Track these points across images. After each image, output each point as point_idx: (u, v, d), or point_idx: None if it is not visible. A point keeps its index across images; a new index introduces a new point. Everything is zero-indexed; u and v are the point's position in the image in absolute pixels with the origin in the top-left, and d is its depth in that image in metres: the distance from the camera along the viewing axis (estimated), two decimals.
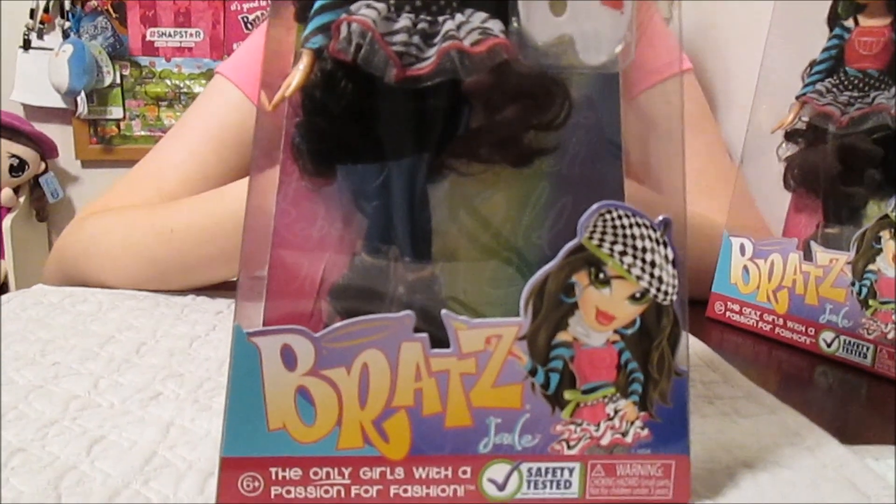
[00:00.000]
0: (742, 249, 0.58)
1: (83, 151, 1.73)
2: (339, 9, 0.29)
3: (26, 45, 1.65)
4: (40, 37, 1.66)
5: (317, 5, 0.29)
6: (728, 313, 0.60)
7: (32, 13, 1.64)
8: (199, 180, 0.71)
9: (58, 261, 0.71)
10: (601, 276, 0.28)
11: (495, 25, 0.30)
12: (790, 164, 0.59)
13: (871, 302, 0.49)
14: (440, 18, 0.29)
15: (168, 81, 1.70)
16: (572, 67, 0.30)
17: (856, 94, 0.53)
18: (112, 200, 0.73)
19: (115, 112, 1.70)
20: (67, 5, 1.63)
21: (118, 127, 1.72)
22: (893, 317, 0.48)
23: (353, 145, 0.31)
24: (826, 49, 0.55)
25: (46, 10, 1.64)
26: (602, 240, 0.28)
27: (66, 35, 1.63)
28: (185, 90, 1.71)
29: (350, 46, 0.28)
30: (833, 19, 0.56)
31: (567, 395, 0.29)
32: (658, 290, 0.28)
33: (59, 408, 0.39)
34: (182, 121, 0.79)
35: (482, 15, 0.30)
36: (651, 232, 0.28)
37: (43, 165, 1.66)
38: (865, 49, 0.53)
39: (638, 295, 0.28)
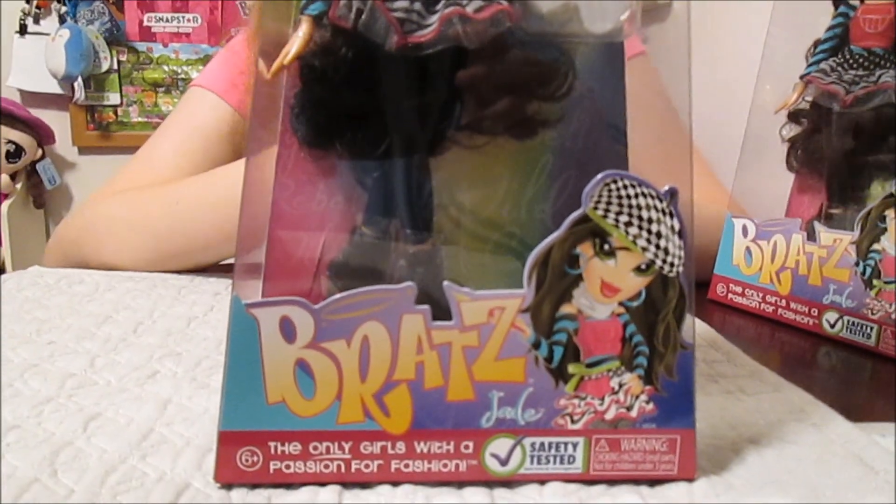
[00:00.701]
0: (745, 231, 0.58)
1: (80, 137, 1.72)
2: None
3: (23, 29, 1.64)
4: (37, 21, 1.65)
5: None
6: (730, 295, 0.59)
7: None
8: (190, 172, 0.72)
9: (58, 245, 0.71)
10: (606, 247, 0.28)
11: None
12: (793, 144, 0.58)
13: (875, 282, 0.49)
14: None
15: (165, 67, 1.69)
16: (577, 36, 0.30)
17: (861, 72, 0.53)
18: (106, 193, 0.74)
19: (113, 98, 1.69)
20: None
21: (115, 113, 1.71)
22: None
23: (354, 115, 0.30)
24: (831, 28, 0.55)
25: None
26: (607, 210, 0.27)
27: (62, 20, 1.62)
28: (182, 76, 1.70)
29: (350, 13, 0.28)
30: None
31: (571, 368, 0.28)
32: (664, 261, 0.28)
33: (55, 385, 0.39)
34: (163, 126, 0.81)
35: None
36: (657, 202, 0.27)
37: (40, 152, 1.66)
38: (871, 27, 0.52)
39: (643, 266, 0.28)
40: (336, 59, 0.29)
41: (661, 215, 0.28)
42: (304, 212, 0.33)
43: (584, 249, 0.28)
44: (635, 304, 0.28)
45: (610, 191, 0.27)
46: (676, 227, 0.28)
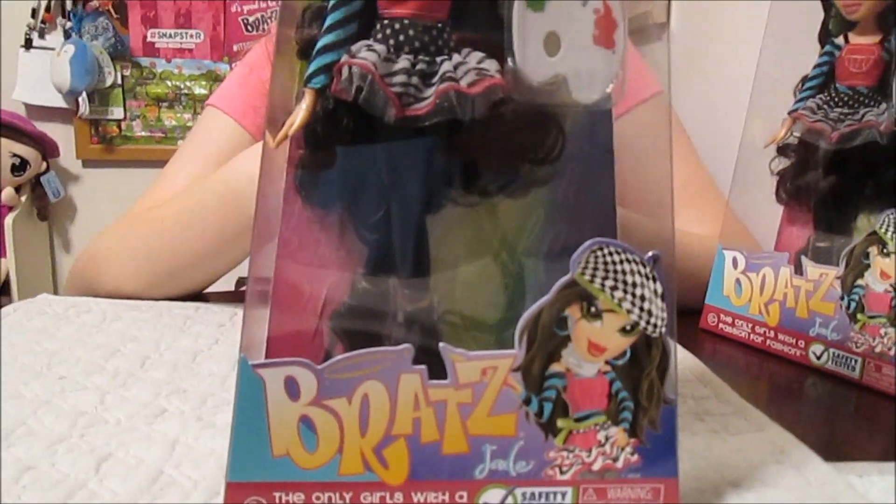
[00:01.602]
0: (734, 262, 0.60)
1: (84, 151, 1.74)
2: (340, 49, 0.30)
3: (28, 44, 1.66)
4: (42, 36, 1.67)
5: (319, 45, 0.30)
6: (721, 325, 0.61)
7: (34, 12, 1.65)
8: None
9: (73, 275, 0.74)
10: (593, 309, 0.29)
11: (491, 65, 0.31)
12: (782, 177, 0.60)
13: (859, 316, 0.51)
14: (438, 59, 0.30)
15: (168, 82, 1.71)
16: (566, 105, 0.31)
17: (846, 110, 0.54)
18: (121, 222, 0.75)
19: (116, 112, 1.71)
20: (69, 5, 1.64)
21: (119, 127, 1.73)
22: (881, 331, 0.49)
23: (354, 180, 0.32)
24: (817, 65, 0.56)
25: (48, 9, 1.65)
26: (594, 275, 0.29)
27: (67, 35, 1.64)
28: (185, 91, 1.72)
29: (351, 87, 0.29)
30: (824, 36, 0.57)
31: (560, 422, 0.30)
32: (648, 322, 0.29)
33: (67, 424, 0.40)
34: (180, 151, 0.82)
35: (478, 55, 0.31)
36: (641, 267, 0.29)
37: (44, 165, 1.67)
38: (855, 66, 0.54)
39: (628, 327, 0.29)
40: (337, 128, 0.31)
41: (644, 280, 0.29)
42: (308, 264, 0.35)
43: (572, 312, 0.29)
44: (621, 362, 0.30)
45: (596, 257, 0.29)
46: (659, 290, 0.29)
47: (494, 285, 0.35)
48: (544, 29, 0.30)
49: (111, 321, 0.59)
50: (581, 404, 0.30)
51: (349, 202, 0.32)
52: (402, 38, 0.30)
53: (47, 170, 1.68)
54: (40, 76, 1.63)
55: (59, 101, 1.67)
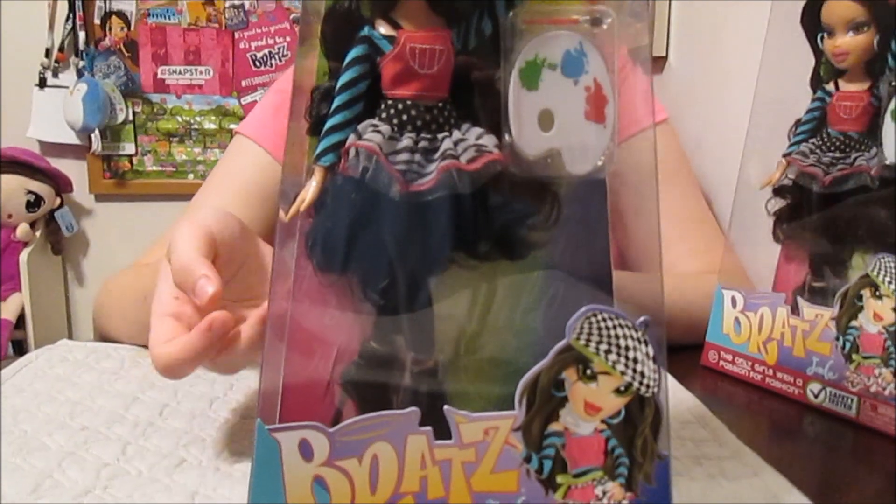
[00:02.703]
0: (734, 302, 0.61)
1: (97, 185, 1.77)
2: (347, 128, 0.32)
3: (42, 83, 1.69)
4: (55, 75, 1.70)
5: (327, 125, 0.32)
6: (721, 362, 0.62)
7: (48, 52, 1.69)
8: None
9: (93, 314, 0.75)
10: (588, 371, 0.31)
11: (489, 141, 0.33)
12: (779, 218, 0.62)
13: (854, 356, 0.52)
14: (439, 136, 0.33)
15: (179, 118, 1.75)
16: (560, 177, 0.33)
17: (838, 154, 0.56)
18: (150, 257, 0.76)
19: (128, 148, 1.75)
20: (82, 45, 1.68)
21: (130, 162, 1.76)
22: (875, 371, 0.51)
23: (360, 249, 0.34)
24: (810, 110, 0.58)
25: (61, 49, 1.69)
26: (588, 340, 0.31)
27: (80, 74, 1.67)
28: (195, 126, 1.75)
29: (358, 166, 0.31)
30: (815, 82, 0.59)
31: (559, 478, 0.31)
32: (640, 383, 0.31)
33: (92, 476, 0.42)
34: (209, 180, 0.83)
35: (477, 130, 0.33)
36: (633, 332, 0.31)
37: (58, 200, 1.71)
38: (846, 113, 0.56)
39: (622, 388, 0.31)
40: (345, 202, 0.33)
41: (637, 343, 0.31)
42: (318, 326, 0.37)
43: (569, 374, 0.31)
44: (616, 420, 0.31)
45: (591, 323, 0.31)
46: (651, 353, 0.31)
47: (496, 343, 0.36)
48: (538, 106, 0.32)
49: (130, 367, 0.61)
50: (579, 461, 0.31)
51: (356, 270, 0.34)
52: (405, 117, 0.32)
53: (61, 205, 1.71)
54: (54, 114, 1.66)
55: (72, 138, 1.70)
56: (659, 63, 1.21)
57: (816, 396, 0.55)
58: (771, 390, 0.58)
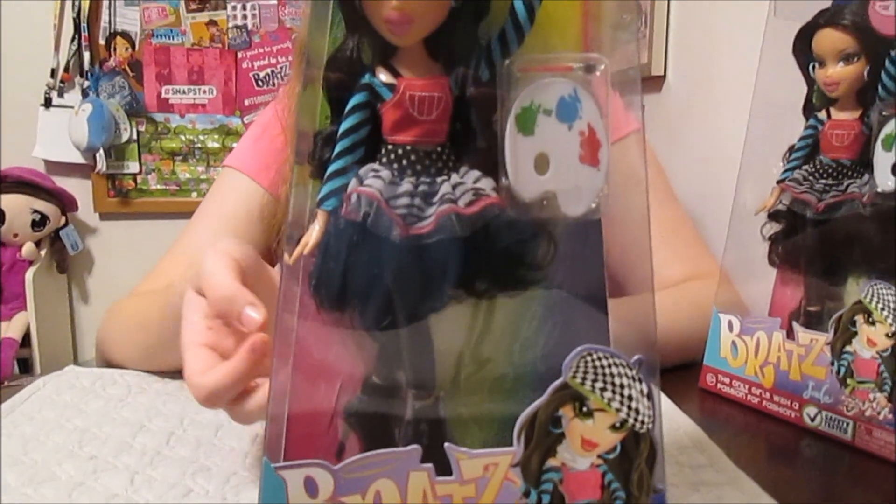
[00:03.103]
0: (730, 326, 0.62)
1: (101, 204, 1.78)
2: (349, 173, 0.33)
3: (47, 103, 1.71)
4: (61, 95, 1.72)
5: (330, 170, 0.33)
6: (719, 385, 0.63)
7: (53, 72, 1.71)
8: None
9: (97, 342, 0.77)
10: (585, 408, 0.32)
11: (487, 184, 0.34)
12: (774, 242, 0.63)
13: (849, 380, 0.53)
14: (438, 179, 0.34)
15: (182, 136, 1.76)
16: (555, 219, 0.34)
17: (831, 181, 0.57)
18: (148, 284, 0.79)
19: (132, 166, 1.76)
20: (87, 65, 1.70)
21: (135, 180, 1.78)
22: (870, 395, 0.52)
23: (362, 289, 0.35)
24: (803, 138, 0.59)
25: (67, 69, 1.71)
26: (584, 378, 0.32)
27: (85, 94, 1.69)
28: (198, 145, 1.77)
29: (359, 211, 0.33)
30: (808, 109, 0.60)
31: None
32: (635, 419, 0.32)
33: None
34: (200, 210, 0.85)
35: (475, 174, 0.34)
36: (627, 370, 0.32)
37: (63, 219, 1.72)
38: (838, 141, 0.57)
39: (618, 424, 0.32)
40: (347, 244, 0.34)
41: (631, 381, 0.32)
42: (322, 361, 0.38)
43: (566, 411, 0.32)
44: (612, 456, 0.32)
45: (586, 362, 0.32)
46: (645, 390, 0.32)
47: (496, 377, 0.37)
48: (534, 151, 0.33)
49: (136, 394, 0.62)
50: (576, 495, 0.32)
51: (358, 308, 0.35)
52: (405, 162, 0.33)
53: (66, 224, 1.72)
54: (59, 134, 1.68)
55: (77, 158, 1.72)
56: (657, 82, 1.22)
57: (813, 420, 0.55)
58: (768, 413, 0.59)
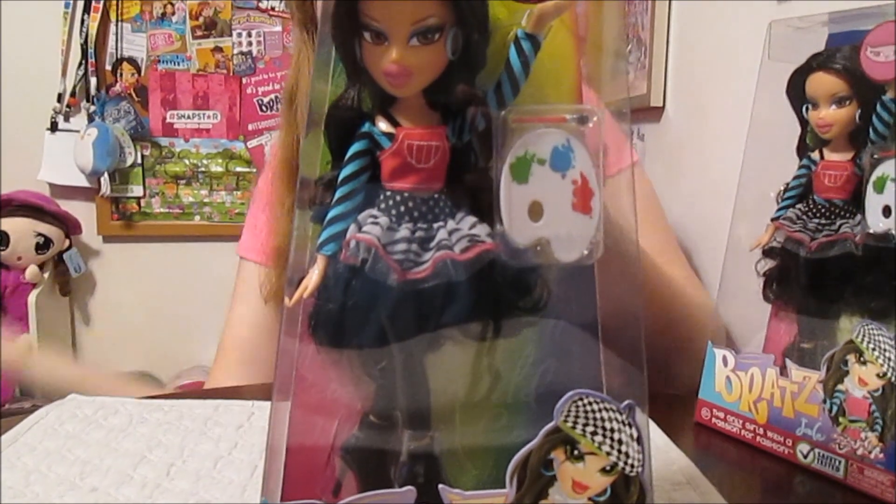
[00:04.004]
0: (725, 361, 0.63)
1: (105, 227, 1.80)
2: (348, 218, 0.34)
3: (53, 127, 1.73)
4: (67, 119, 1.74)
5: (329, 215, 0.34)
6: (714, 419, 0.64)
7: (60, 97, 1.73)
8: (254, 333, 0.96)
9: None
10: (576, 452, 0.33)
11: (482, 230, 0.35)
12: (768, 278, 0.63)
13: (841, 419, 0.53)
14: (435, 225, 0.35)
15: (186, 160, 1.78)
16: (549, 264, 0.35)
17: (823, 221, 0.58)
18: (213, 372, 0.97)
19: (136, 190, 1.78)
20: (93, 90, 1.72)
21: (138, 204, 1.79)
22: (861, 434, 0.52)
23: (359, 330, 0.35)
24: (796, 177, 0.60)
25: (73, 94, 1.73)
26: (575, 422, 0.32)
27: (91, 118, 1.71)
28: (202, 169, 1.78)
29: (358, 256, 0.33)
30: (802, 149, 0.61)
31: None
32: (626, 463, 0.33)
33: None
34: (232, 299, 1.01)
35: (471, 220, 0.35)
36: (618, 415, 0.33)
37: (67, 242, 1.73)
38: (830, 181, 0.58)
39: (608, 468, 0.33)
40: (346, 288, 0.35)
41: (621, 426, 0.33)
42: (320, 399, 0.39)
43: (557, 454, 0.33)
44: (602, 498, 0.33)
45: (577, 406, 0.33)
46: (635, 434, 0.33)
47: (491, 417, 0.38)
48: (528, 198, 0.34)
49: (137, 424, 0.62)
50: None
51: (355, 349, 0.36)
52: (402, 208, 0.34)
53: (70, 247, 1.73)
54: (65, 157, 1.70)
55: (81, 181, 1.74)
56: (657, 112, 1.24)
57: (806, 457, 0.56)
58: (762, 449, 0.59)
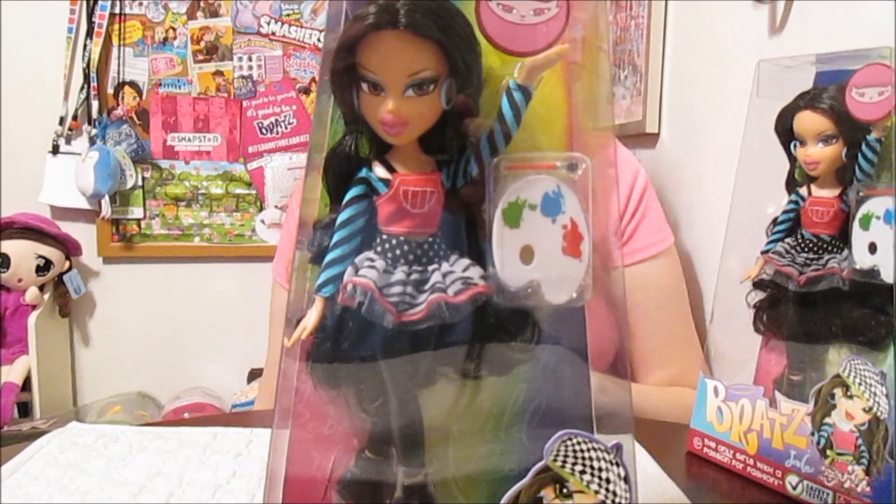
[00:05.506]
0: (716, 391, 0.64)
1: (105, 248, 1.81)
2: (346, 261, 0.36)
3: (55, 149, 1.75)
4: (68, 142, 1.76)
5: (327, 258, 0.36)
6: (705, 449, 0.65)
7: (62, 120, 1.75)
8: None
9: None
10: (565, 490, 0.34)
11: (475, 272, 0.36)
12: (758, 309, 0.65)
13: (828, 452, 0.54)
14: (429, 268, 0.36)
15: (187, 183, 1.79)
16: (539, 306, 0.36)
17: (811, 255, 0.59)
18: (259, 395, 1.02)
19: (136, 212, 1.79)
20: (95, 113, 1.73)
21: (139, 225, 1.80)
22: (848, 468, 0.53)
23: (356, 370, 0.37)
24: (785, 212, 0.62)
25: (75, 117, 1.74)
26: (565, 461, 0.34)
27: (92, 141, 1.72)
28: (202, 191, 1.80)
29: (355, 299, 0.35)
30: (790, 184, 0.62)
31: None
32: (613, 501, 0.34)
33: None
34: (270, 327, 1.05)
35: (464, 262, 0.36)
36: (605, 454, 0.34)
37: (67, 264, 1.74)
38: (818, 217, 0.59)
39: None
40: (343, 329, 0.36)
41: (609, 465, 0.34)
42: (317, 435, 0.40)
43: (547, 492, 0.34)
44: None
45: (567, 446, 0.34)
46: (622, 474, 0.34)
47: (484, 451, 0.39)
48: (520, 242, 0.36)
49: (137, 452, 0.63)
50: None
51: (352, 388, 0.37)
52: (398, 252, 0.36)
53: (70, 268, 1.74)
54: (66, 180, 1.71)
55: (82, 203, 1.75)
56: (652, 139, 1.25)
57: (795, 488, 0.57)
58: (752, 479, 0.60)
